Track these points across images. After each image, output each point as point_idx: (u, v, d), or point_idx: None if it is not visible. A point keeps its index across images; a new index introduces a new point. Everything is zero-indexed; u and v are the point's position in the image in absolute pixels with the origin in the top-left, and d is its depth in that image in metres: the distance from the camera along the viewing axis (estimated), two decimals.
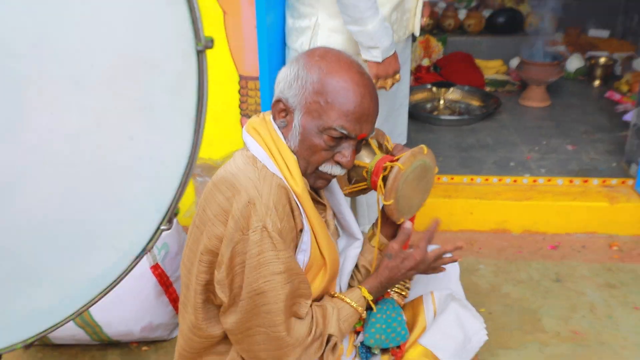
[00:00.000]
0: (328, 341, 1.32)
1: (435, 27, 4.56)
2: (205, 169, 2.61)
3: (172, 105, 0.56)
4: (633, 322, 2.18)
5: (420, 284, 1.58)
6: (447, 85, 3.84)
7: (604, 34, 4.72)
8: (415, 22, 2.06)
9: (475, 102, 3.82)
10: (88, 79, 0.54)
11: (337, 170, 1.31)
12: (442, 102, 3.79)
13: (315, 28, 1.93)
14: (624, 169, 2.92)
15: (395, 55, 1.88)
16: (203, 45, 0.52)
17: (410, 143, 3.29)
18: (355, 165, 1.39)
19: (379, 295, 1.43)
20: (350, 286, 1.50)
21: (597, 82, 4.15)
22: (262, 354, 1.27)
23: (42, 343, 2.09)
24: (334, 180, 1.47)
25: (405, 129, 2.44)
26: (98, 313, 1.94)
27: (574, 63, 4.31)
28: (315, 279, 1.36)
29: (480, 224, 2.77)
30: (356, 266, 1.52)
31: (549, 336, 2.12)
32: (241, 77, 2.54)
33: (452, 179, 2.89)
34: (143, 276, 1.98)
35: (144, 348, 2.13)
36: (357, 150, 1.34)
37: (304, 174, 1.30)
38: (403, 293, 1.50)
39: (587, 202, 2.70)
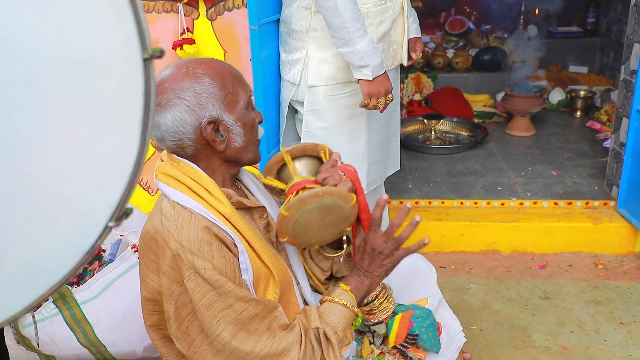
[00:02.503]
0: (319, 339, 1.22)
1: (425, 65, 4.58)
2: None
3: (120, 109, 0.55)
4: (619, 336, 2.10)
5: (402, 295, 1.52)
6: (437, 117, 3.83)
7: (583, 69, 4.74)
8: (403, 53, 2.06)
9: (464, 132, 3.80)
10: (41, 82, 0.53)
11: (261, 131, 1.29)
12: (433, 132, 3.77)
13: (306, 59, 1.92)
14: (605, 191, 2.88)
15: (386, 75, 1.85)
16: (149, 54, 0.51)
17: (405, 170, 3.29)
18: (284, 172, 1.30)
19: (365, 289, 1.31)
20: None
21: (578, 113, 4.14)
22: None
23: None
24: (249, 181, 1.40)
25: (398, 156, 2.42)
26: (103, 333, 1.88)
27: (556, 96, 4.31)
28: (267, 292, 1.25)
29: (471, 245, 2.72)
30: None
31: (538, 351, 2.05)
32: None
33: (443, 203, 2.85)
34: None
35: None
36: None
37: (254, 155, 1.27)
38: (388, 304, 1.42)
39: (572, 223, 2.65)
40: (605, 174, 2.91)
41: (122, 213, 0.58)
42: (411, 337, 1.39)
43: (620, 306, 2.28)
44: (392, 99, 1.91)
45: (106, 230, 0.58)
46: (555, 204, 2.79)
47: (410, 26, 2.11)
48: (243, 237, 1.21)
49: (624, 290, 2.38)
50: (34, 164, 0.55)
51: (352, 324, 1.31)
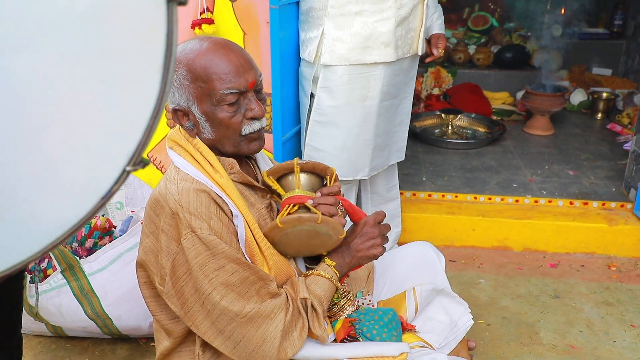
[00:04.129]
0: (306, 308, 1.24)
1: (446, 60, 4.53)
2: None
3: (142, 52, 0.54)
4: (629, 338, 2.06)
5: (407, 280, 1.52)
6: (455, 112, 3.79)
7: (607, 72, 4.66)
8: (419, 42, 2.03)
9: (482, 129, 3.75)
10: (64, 21, 0.52)
11: (256, 125, 1.26)
12: (450, 127, 3.73)
13: (322, 37, 1.91)
14: (623, 193, 2.82)
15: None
16: None
17: (419, 163, 3.26)
18: (287, 179, 1.32)
19: (348, 266, 1.34)
20: None
21: (599, 115, 4.07)
22: (249, 345, 1.19)
23: (56, 334, 2.05)
24: (263, 163, 1.41)
25: (404, 146, 2.37)
26: (109, 306, 1.89)
27: (578, 97, 4.24)
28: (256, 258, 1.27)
29: (482, 240, 2.68)
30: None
31: (545, 349, 2.02)
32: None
33: (456, 197, 2.82)
34: None
35: (152, 344, 2.07)
36: (261, 100, 1.28)
37: (237, 149, 1.26)
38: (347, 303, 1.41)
39: (587, 223, 2.60)
40: (624, 176, 2.86)
41: (139, 158, 0.57)
42: (351, 338, 1.38)
43: (632, 309, 2.23)
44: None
45: (123, 174, 0.57)
46: (571, 203, 2.74)
47: (434, 22, 2.08)
48: (237, 208, 1.23)
49: (637, 293, 2.33)
50: (52, 104, 0.54)
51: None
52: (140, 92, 0.54)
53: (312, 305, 1.24)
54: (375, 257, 1.35)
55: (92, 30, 0.54)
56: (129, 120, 0.54)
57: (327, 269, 1.31)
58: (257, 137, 1.29)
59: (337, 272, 1.32)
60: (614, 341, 2.05)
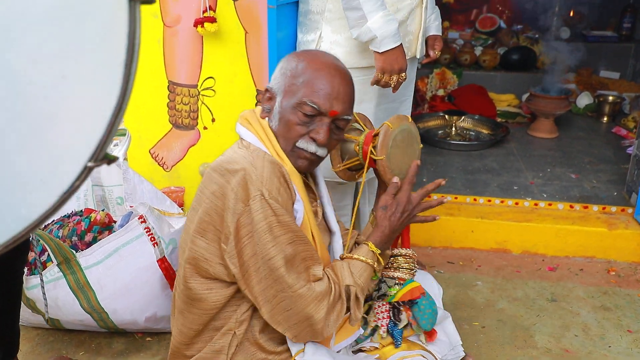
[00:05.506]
0: (349, 296, 1.30)
1: (452, 61, 4.51)
2: None
3: (103, 49, 0.54)
4: (625, 344, 2.05)
5: None
6: (459, 113, 3.78)
7: (615, 75, 4.62)
8: (418, 45, 2.02)
9: (485, 130, 3.74)
10: (26, 17, 0.52)
11: (312, 147, 1.32)
12: (453, 129, 3.72)
13: (319, 41, 1.91)
14: (624, 198, 2.80)
15: (401, 51, 1.79)
16: None
17: (421, 164, 3.24)
18: (346, 140, 1.45)
19: (386, 248, 1.42)
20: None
21: (605, 119, 4.04)
22: (292, 320, 1.24)
23: (54, 327, 2.07)
24: (319, 174, 1.47)
25: None
26: (105, 300, 1.90)
27: (584, 100, 4.21)
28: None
29: (481, 242, 2.68)
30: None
31: (539, 352, 2.01)
32: (258, 92, 2.53)
33: (456, 198, 2.81)
34: (150, 268, 1.95)
35: (148, 339, 2.08)
36: (335, 132, 1.34)
37: (286, 155, 1.33)
38: (412, 271, 1.50)
39: (586, 227, 2.58)
40: (626, 180, 2.83)
41: (102, 155, 0.57)
42: (410, 302, 1.46)
43: (629, 314, 2.22)
44: (406, 78, 1.86)
45: (85, 170, 0.57)
46: (571, 206, 2.72)
47: (431, 23, 2.07)
48: (299, 192, 1.32)
49: (635, 299, 2.32)
50: (13, 100, 0.55)
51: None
52: (103, 89, 0.54)
53: (356, 294, 1.30)
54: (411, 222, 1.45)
55: (52, 28, 0.55)
56: (90, 116, 0.55)
57: (368, 253, 1.36)
58: (307, 158, 1.34)
59: (381, 259, 1.39)
60: (610, 346, 2.04)
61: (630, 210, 2.66)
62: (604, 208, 2.70)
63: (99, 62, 0.55)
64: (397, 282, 1.47)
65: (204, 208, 1.27)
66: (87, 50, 0.55)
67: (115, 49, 0.54)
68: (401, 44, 1.78)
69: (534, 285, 2.42)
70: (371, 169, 1.49)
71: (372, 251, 1.36)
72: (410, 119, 1.45)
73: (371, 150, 1.42)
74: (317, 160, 1.36)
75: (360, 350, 1.48)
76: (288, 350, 1.34)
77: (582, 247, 2.59)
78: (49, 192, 0.54)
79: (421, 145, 1.50)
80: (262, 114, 1.37)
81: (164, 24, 2.50)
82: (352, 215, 1.50)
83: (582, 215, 2.67)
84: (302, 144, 1.32)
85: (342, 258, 1.38)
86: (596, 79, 4.51)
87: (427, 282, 1.70)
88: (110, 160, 0.57)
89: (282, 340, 1.35)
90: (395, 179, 1.40)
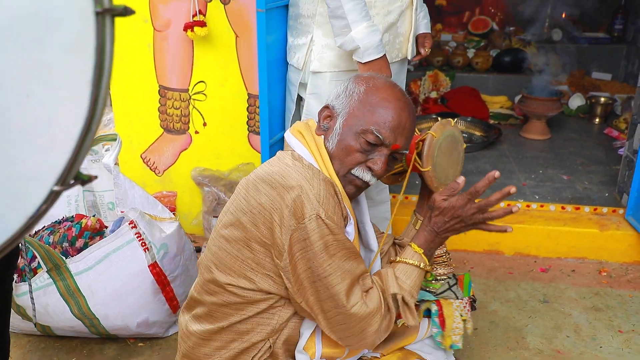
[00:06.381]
0: (397, 304, 1.29)
1: (445, 63, 4.52)
2: (213, 180, 2.59)
3: (69, 66, 0.52)
4: (616, 344, 2.05)
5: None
6: (452, 115, 3.78)
7: (607, 76, 4.63)
8: (409, 46, 2.03)
9: (478, 132, 3.75)
10: None
11: (367, 176, 1.33)
12: None
13: (310, 45, 1.91)
14: (616, 198, 2.81)
15: (385, 61, 1.79)
16: (102, 8, 0.49)
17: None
18: None
19: (433, 248, 1.36)
20: None
21: (597, 120, 4.06)
22: (346, 333, 1.26)
23: (45, 334, 2.06)
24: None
25: None
26: (96, 305, 1.90)
27: (576, 101, 4.22)
28: None
29: (474, 244, 2.68)
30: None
31: (531, 353, 2.01)
32: (249, 96, 2.54)
33: None
34: (141, 273, 1.94)
35: (140, 344, 2.08)
36: (389, 163, 1.35)
37: (337, 178, 1.32)
38: (446, 262, 1.49)
39: (578, 228, 2.59)
40: (617, 181, 2.84)
41: (70, 177, 0.55)
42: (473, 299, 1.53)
43: (620, 314, 2.22)
44: None
45: (52, 194, 0.55)
46: (563, 208, 2.73)
47: (420, 21, 2.08)
48: (349, 209, 1.31)
49: (626, 299, 2.32)
50: None
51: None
52: (69, 109, 0.51)
53: (404, 299, 1.29)
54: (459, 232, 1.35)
55: (14, 43, 0.52)
56: (57, 138, 0.52)
57: (414, 255, 1.34)
58: (358, 186, 1.35)
59: (426, 258, 1.34)
60: (601, 346, 2.04)
61: (621, 211, 2.67)
62: (595, 209, 2.71)
63: (64, 80, 0.52)
64: (444, 278, 1.48)
65: (250, 218, 1.25)
66: (52, 68, 0.52)
67: (81, 65, 0.52)
68: (385, 54, 1.78)
69: (526, 286, 2.43)
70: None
71: (415, 251, 1.34)
72: (453, 122, 1.44)
73: (416, 159, 1.41)
74: (365, 188, 1.37)
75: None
76: None
77: (574, 248, 2.60)
78: (15, 216, 0.53)
79: (464, 145, 1.51)
80: (318, 132, 1.37)
81: (154, 28, 2.50)
82: (390, 221, 1.52)
83: (574, 217, 2.68)
84: (357, 171, 1.32)
85: (390, 262, 1.38)
86: (588, 81, 4.53)
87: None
88: (84, 181, 0.55)
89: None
90: (460, 179, 1.29)
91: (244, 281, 1.28)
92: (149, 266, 1.96)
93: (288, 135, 1.39)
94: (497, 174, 1.27)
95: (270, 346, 1.33)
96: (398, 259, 1.35)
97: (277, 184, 1.22)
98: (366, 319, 1.24)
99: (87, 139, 0.54)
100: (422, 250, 1.34)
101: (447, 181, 1.45)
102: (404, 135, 1.31)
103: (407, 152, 1.37)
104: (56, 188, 0.53)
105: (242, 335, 1.33)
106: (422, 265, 1.33)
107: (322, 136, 1.35)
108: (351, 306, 1.22)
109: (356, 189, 1.35)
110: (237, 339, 1.34)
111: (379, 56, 1.76)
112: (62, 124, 0.54)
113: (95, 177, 0.59)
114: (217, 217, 2.60)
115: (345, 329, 1.26)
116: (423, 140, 1.40)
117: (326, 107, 1.37)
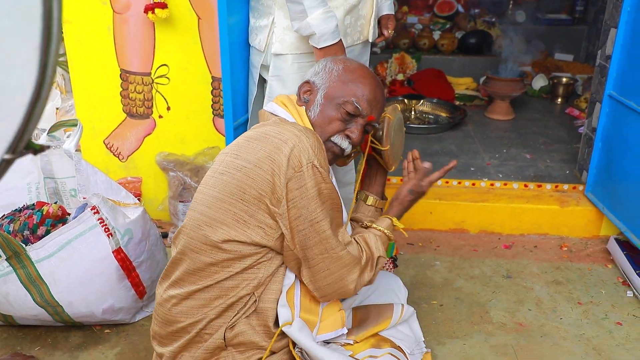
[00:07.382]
0: (377, 265, 1.46)
1: (411, 45, 4.54)
2: (178, 165, 2.56)
3: (16, 32, 0.51)
4: (575, 316, 2.12)
5: (396, 296, 1.77)
6: (417, 97, 3.82)
7: (569, 57, 4.72)
8: (370, 29, 2.03)
9: (444, 114, 3.79)
10: None
11: (345, 144, 1.47)
12: (413, 113, 3.76)
13: (272, 26, 1.89)
14: (576, 176, 2.88)
15: (340, 45, 1.80)
16: None
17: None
18: None
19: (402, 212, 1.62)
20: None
21: (559, 100, 4.14)
22: (327, 280, 1.36)
23: (7, 323, 2.03)
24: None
25: None
26: (59, 293, 1.87)
27: (539, 82, 4.30)
28: None
29: (440, 223, 2.72)
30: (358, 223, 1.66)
31: (494, 327, 2.06)
32: (214, 79, 2.51)
33: None
34: (105, 259, 1.92)
35: (107, 331, 2.06)
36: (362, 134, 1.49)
37: (332, 159, 1.49)
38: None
39: (540, 205, 2.65)
40: (577, 159, 2.92)
41: (21, 145, 0.54)
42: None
43: (580, 287, 2.30)
44: None
45: (3, 163, 0.54)
46: (525, 185, 2.79)
47: (383, 3, 2.08)
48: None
49: (585, 272, 2.40)
50: None
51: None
52: (18, 77, 0.51)
53: (378, 263, 1.47)
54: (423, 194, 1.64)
55: None
56: (6, 105, 0.52)
57: (390, 227, 1.55)
58: (335, 152, 1.48)
59: (401, 227, 1.59)
60: (561, 318, 2.11)
61: (581, 187, 2.74)
62: (556, 186, 2.78)
63: (11, 47, 0.52)
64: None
65: (245, 173, 1.30)
66: None
67: (29, 32, 0.51)
68: (340, 39, 1.80)
69: (491, 263, 2.48)
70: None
71: (394, 225, 1.56)
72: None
73: (372, 140, 1.58)
74: (340, 156, 1.51)
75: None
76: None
77: (536, 225, 2.66)
78: None
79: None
80: (299, 102, 1.50)
81: (113, 11, 2.44)
82: (354, 195, 1.67)
83: (536, 194, 2.74)
84: (337, 139, 1.46)
85: (367, 227, 1.55)
86: (551, 62, 4.61)
87: (396, 284, 1.81)
88: (36, 150, 0.55)
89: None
90: (427, 164, 1.61)
91: (235, 234, 1.31)
92: (113, 252, 1.94)
93: (272, 105, 1.51)
94: (453, 164, 1.65)
95: (256, 300, 1.37)
96: (381, 228, 1.52)
97: (273, 139, 1.31)
98: (348, 266, 1.36)
99: (37, 106, 0.53)
100: (402, 226, 1.58)
101: (398, 158, 1.65)
102: (377, 109, 1.49)
103: (377, 126, 1.53)
104: (7, 156, 0.53)
105: (228, 292, 1.35)
106: (392, 238, 1.56)
107: (304, 107, 1.49)
108: (339, 250, 1.34)
109: (333, 156, 1.49)
110: (222, 295, 1.35)
111: (334, 42, 1.78)
112: (11, 92, 0.53)
113: (48, 147, 0.58)
114: (183, 202, 2.57)
115: (327, 275, 1.35)
116: (377, 123, 1.55)
117: (307, 82, 1.51)
